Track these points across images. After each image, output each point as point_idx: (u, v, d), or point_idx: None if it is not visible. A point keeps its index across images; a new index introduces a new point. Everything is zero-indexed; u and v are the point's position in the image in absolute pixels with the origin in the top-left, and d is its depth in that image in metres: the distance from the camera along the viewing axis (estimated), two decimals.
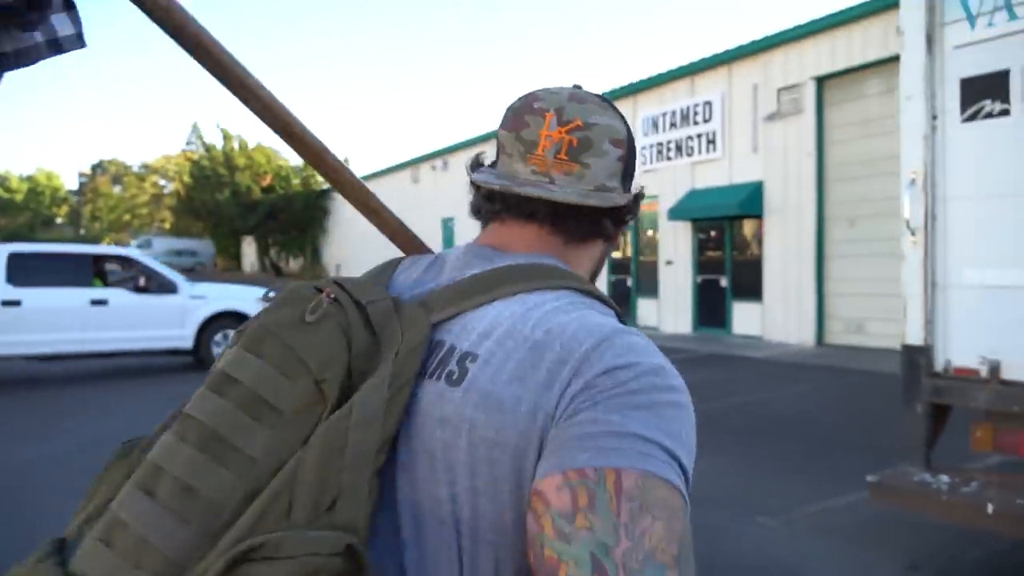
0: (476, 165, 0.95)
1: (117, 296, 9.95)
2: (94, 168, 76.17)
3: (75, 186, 74.24)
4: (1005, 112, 3.27)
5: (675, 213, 14.81)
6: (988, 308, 3.37)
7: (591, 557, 0.63)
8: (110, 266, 10.94)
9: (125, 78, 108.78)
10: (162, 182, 62.48)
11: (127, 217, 64.03)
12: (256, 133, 42.38)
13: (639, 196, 0.94)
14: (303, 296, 0.80)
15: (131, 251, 10.90)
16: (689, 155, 15.02)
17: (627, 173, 0.92)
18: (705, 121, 14.66)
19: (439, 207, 24.72)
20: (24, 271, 9.43)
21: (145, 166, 67.37)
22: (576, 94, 0.89)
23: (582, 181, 0.86)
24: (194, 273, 37.37)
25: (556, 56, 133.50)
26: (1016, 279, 3.27)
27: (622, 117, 0.93)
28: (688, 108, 15.06)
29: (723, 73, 14.41)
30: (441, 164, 24.43)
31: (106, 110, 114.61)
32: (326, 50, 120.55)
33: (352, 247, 30.51)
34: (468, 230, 22.51)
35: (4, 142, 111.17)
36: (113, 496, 0.73)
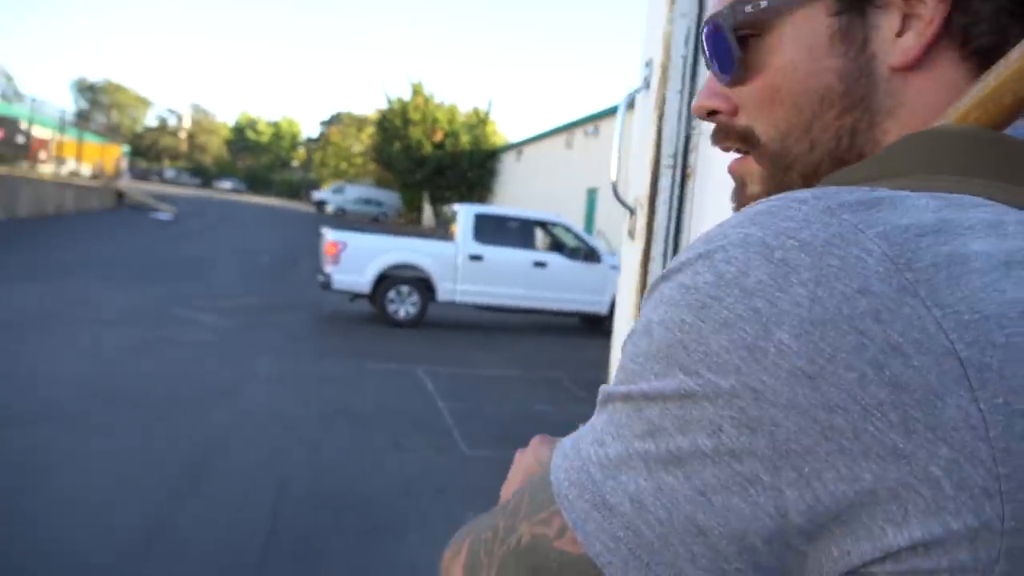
0: None
1: (555, 260, 10.68)
2: (332, 118, 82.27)
3: (315, 134, 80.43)
4: None
5: None
6: None
7: None
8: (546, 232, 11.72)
9: (366, 32, 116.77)
10: None
11: (344, 165, 68.19)
12: (449, 90, 42.49)
13: None
14: None
15: (565, 219, 11.38)
16: None
17: None
18: None
19: (586, 176, 22.68)
20: (486, 230, 10.46)
21: (364, 118, 71.36)
22: None
23: None
24: (376, 223, 38.70)
25: None
26: None
27: None
28: None
29: None
30: (592, 130, 22.28)
31: (348, 63, 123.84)
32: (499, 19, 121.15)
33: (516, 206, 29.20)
34: (612, 202, 20.35)
35: (259, 88, 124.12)
36: None
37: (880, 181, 0.44)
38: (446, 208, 12.17)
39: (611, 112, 20.41)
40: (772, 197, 0.43)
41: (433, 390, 6.83)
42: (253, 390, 6.38)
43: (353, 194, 45.76)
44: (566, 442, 0.48)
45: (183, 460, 4.59)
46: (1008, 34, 0.49)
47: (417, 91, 36.36)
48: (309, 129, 77.63)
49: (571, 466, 0.45)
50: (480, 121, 36.59)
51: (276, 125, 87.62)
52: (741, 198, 0.60)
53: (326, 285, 9.91)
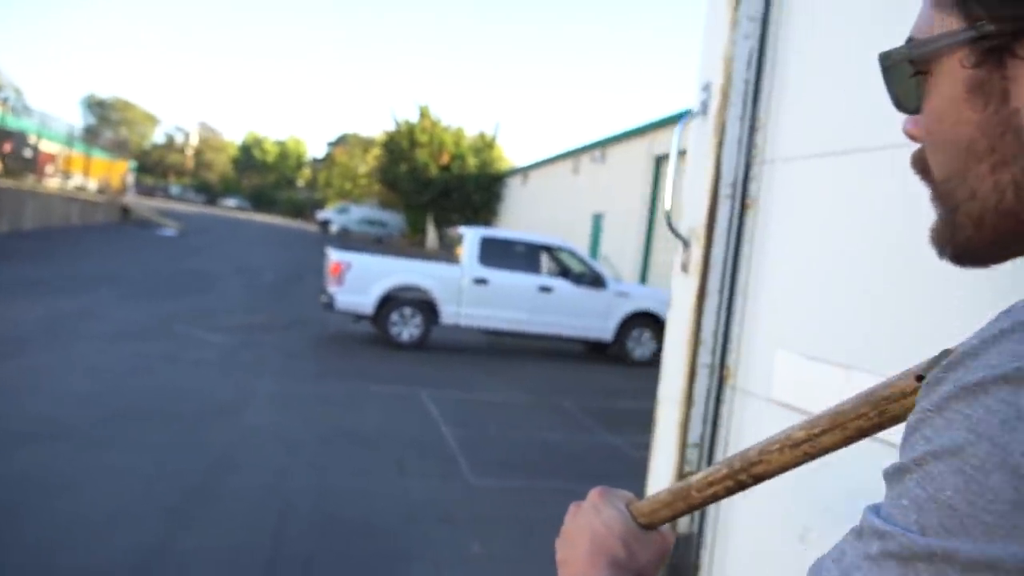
0: None
1: (560, 285, 10.53)
2: (338, 139, 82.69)
3: (320, 154, 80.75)
4: None
5: None
6: None
7: None
8: (551, 256, 11.45)
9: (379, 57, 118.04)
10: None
11: (348, 185, 68.38)
12: (456, 113, 42.93)
13: None
14: None
15: (571, 245, 11.26)
16: None
17: None
18: None
19: (592, 201, 22.69)
20: (491, 254, 10.34)
21: (370, 139, 71.65)
22: None
23: None
24: (380, 244, 38.72)
25: None
26: None
27: None
28: None
29: None
30: (599, 156, 22.30)
31: (355, 85, 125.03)
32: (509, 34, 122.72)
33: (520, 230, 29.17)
34: (617, 228, 20.33)
35: (267, 107, 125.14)
36: None
37: None
38: (451, 231, 12.11)
39: (618, 138, 20.47)
40: None
41: (437, 415, 6.72)
42: (255, 410, 6.28)
43: (357, 214, 45.80)
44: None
45: (184, 481, 4.49)
46: None
47: (424, 114, 36.53)
48: (315, 149, 77.89)
49: None
50: (486, 145, 36.74)
51: (282, 144, 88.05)
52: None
53: (329, 305, 9.83)
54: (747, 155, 1.18)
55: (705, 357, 1.20)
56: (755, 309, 1.16)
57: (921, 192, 0.98)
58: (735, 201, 1.18)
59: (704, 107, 1.22)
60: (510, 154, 40.42)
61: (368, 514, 4.33)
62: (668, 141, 17.11)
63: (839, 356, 0.99)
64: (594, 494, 0.66)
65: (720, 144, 1.17)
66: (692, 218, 1.23)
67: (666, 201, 1.21)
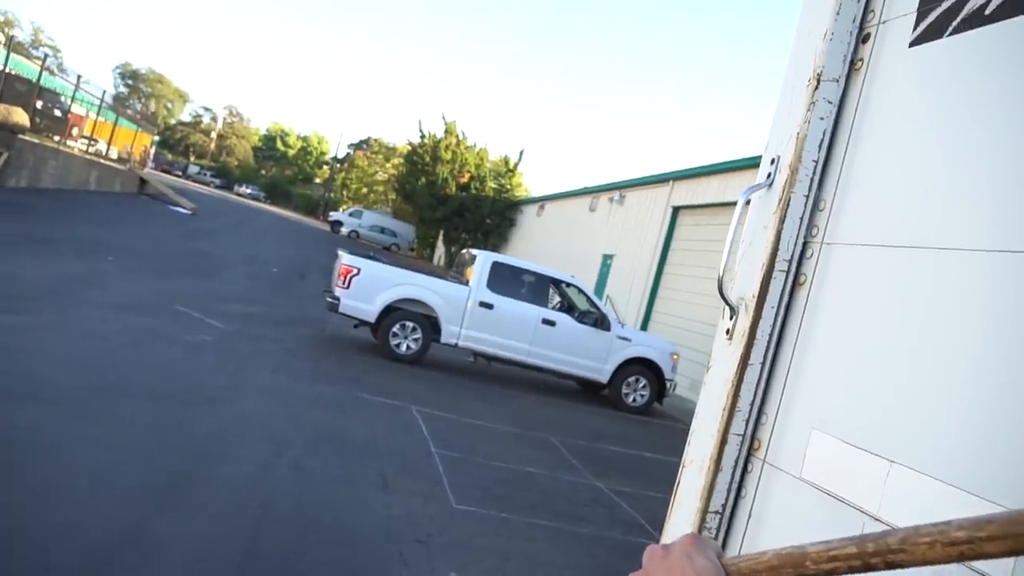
0: None
1: (564, 320, 10.49)
2: (360, 142, 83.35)
3: (340, 154, 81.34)
4: None
5: None
6: None
7: None
8: (558, 289, 11.38)
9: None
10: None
11: (364, 190, 68.74)
12: (481, 131, 43.24)
13: None
14: None
15: (580, 282, 11.26)
16: None
17: None
18: None
19: (604, 241, 22.78)
20: (500, 279, 10.35)
21: (392, 147, 72.31)
22: None
23: None
24: (387, 252, 38.86)
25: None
26: None
27: None
28: None
29: None
30: (618, 197, 22.44)
31: (385, 89, 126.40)
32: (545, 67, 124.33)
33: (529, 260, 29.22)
34: (625, 271, 20.38)
35: (295, 99, 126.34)
36: None
37: None
38: (464, 251, 12.10)
39: (638, 183, 20.59)
40: None
41: (426, 433, 6.70)
42: (244, 401, 6.26)
43: (369, 220, 45.98)
44: None
45: (168, 463, 4.46)
46: None
47: (450, 131, 36.80)
48: (336, 147, 78.30)
49: None
50: (508, 171, 36.98)
51: (305, 139, 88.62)
52: None
53: (333, 307, 9.83)
54: (806, 234, 1.20)
55: (738, 426, 1.20)
56: (795, 386, 1.17)
57: (980, 296, 1.00)
58: (789, 277, 1.20)
59: (770, 181, 1.24)
60: (528, 181, 40.59)
61: (347, 524, 4.30)
62: (687, 193, 17.22)
63: (880, 447, 1.00)
64: (686, 540, 0.63)
65: (782, 219, 1.19)
66: (743, 287, 1.24)
67: (721, 266, 1.22)
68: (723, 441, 1.20)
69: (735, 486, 1.22)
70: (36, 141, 18.13)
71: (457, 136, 36.58)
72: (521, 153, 38.12)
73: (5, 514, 3.37)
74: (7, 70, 18.48)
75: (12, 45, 20.95)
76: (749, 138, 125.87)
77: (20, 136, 16.57)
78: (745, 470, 1.22)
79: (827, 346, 1.13)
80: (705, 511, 1.21)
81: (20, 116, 16.55)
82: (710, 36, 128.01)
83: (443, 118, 50.29)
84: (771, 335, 1.19)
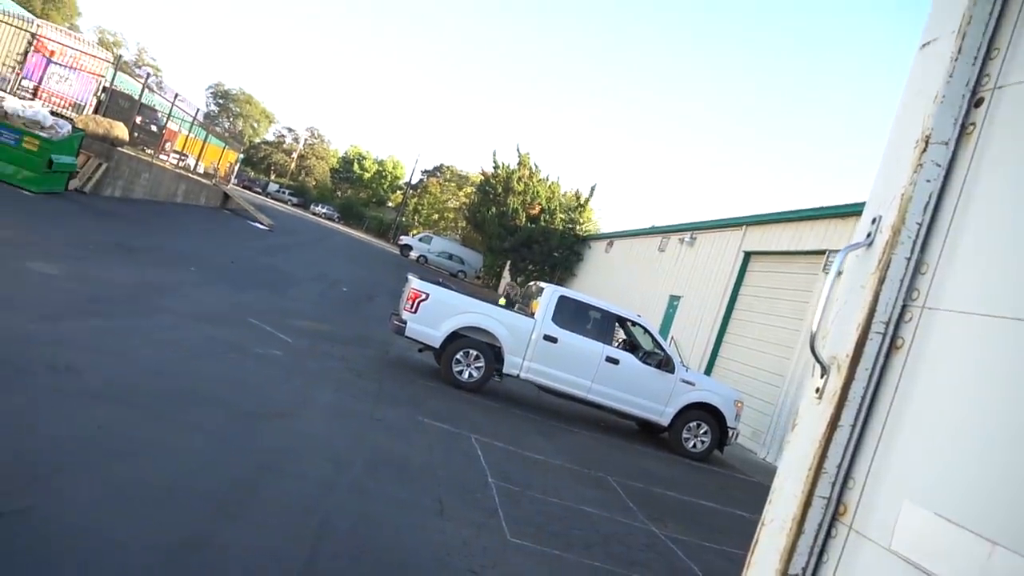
0: None
1: (628, 359, 10.42)
2: (434, 169, 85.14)
3: (415, 180, 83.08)
4: None
5: None
6: None
7: None
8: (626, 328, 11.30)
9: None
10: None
11: (435, 216, 69.94)
12: (554, 162, 43.51)
13: None
14: None
15: (646, 321, 11.13)
16: None
17: None
18: None
19: (672, 282, 22.53)
20: (566, 314, 10.38)
21: (464, 175, 73.57)
22: None
23: None
24: (453, 279, 39.35)
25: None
26: None
27: None
28: None
29: None
30: (689, 238, 22.21)
31: (464, 118, 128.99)
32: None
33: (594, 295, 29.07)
34: (692, 314, 20.08)
35: (372, 123, 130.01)
36: None
37: None
38: (531, 283, 12.12)
39: (710, 225, 20.34)
40: None
41: (484, 463, 6.70)
42: (309, 418, 6.39)
43: (439, 246, 46.69)
44: None
45: (234, 473, 4.58)
46: None
47: (524, 162, 37.22)
48: (410, 172, 79.96)
49: None
50: (579, 205, 37.10)
51: (381, 163, 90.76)
52: None
53: (400, 331, 9.98)
54: (905, 297, 1.18)
55: (823, 489, 1.17)
56: (887, 452, 1.14)
57: None
58: (885, 339, 1.17)
59: (870, 240, 1.22)
60: (597, 216, 40.57)
61: (402, 548, 4.32)
62: (760, 239, 16.92)
63: (980, 526, 0.96)
64: None
65: (881, 280, 1.17)
66: (836, 347, 1.21)
67: (814, 323, 1.21)
68: (807, 503, 1.17)
69: (817, 550, 1.18)
70: (132, 154, 19.10)
71: (530, 168, 37.00)
72: (592, 188, 38.06)
73: (79, 514, 3.52)
74: (113, 87, 19.60)
75: (119, 64, 22.21)
76: (825, 182, 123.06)
77: (119, 149, 17.50)
78: (829, 534, 1.19)
79: (924, 413, 1.10)
80: (784, 573, 1.18)
81: (121, 130, 17.51)
82: (787, 86, 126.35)
83: (517, 150, 51.24)
84: (863, 397, 1.16)
